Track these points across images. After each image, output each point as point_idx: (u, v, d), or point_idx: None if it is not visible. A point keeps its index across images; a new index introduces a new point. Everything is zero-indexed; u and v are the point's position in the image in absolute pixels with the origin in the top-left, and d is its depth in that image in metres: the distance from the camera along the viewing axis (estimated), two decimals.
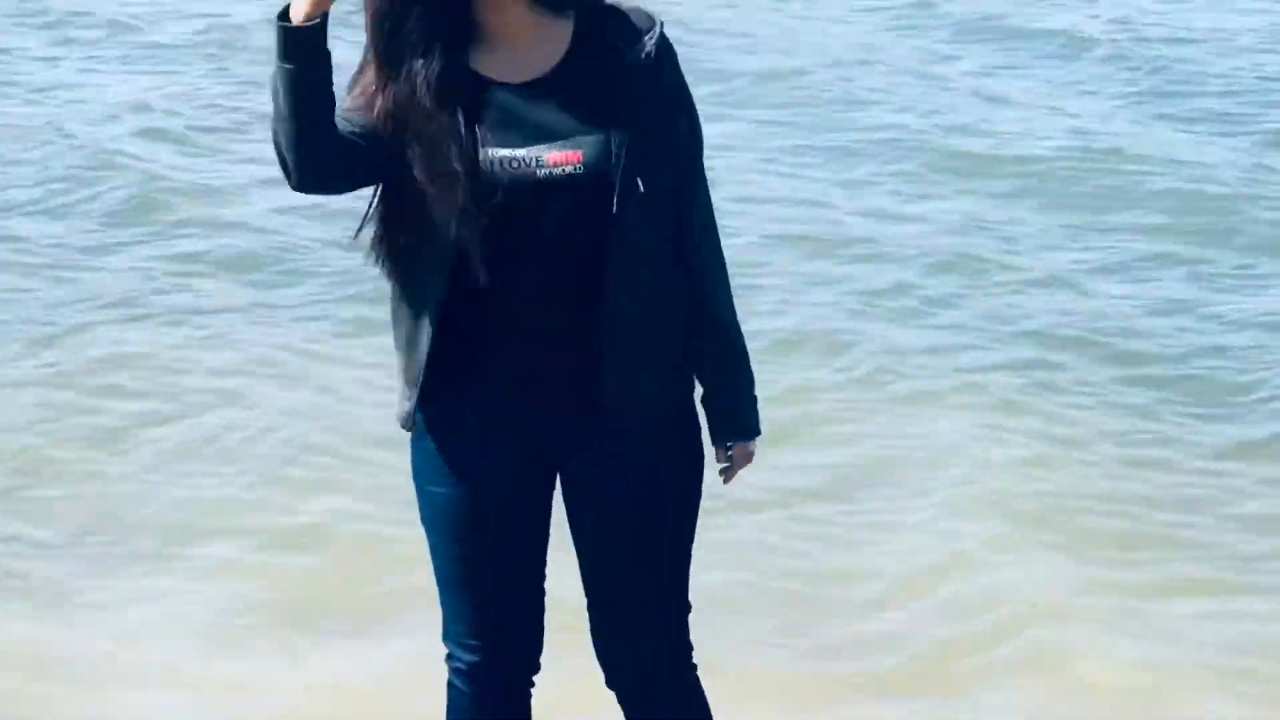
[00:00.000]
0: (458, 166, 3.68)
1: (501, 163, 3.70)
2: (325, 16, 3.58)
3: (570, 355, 3.82)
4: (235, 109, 11.36)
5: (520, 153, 3.71)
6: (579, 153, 3.72)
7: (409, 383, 3.87)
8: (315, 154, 3.61)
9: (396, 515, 6.18)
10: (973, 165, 10.38)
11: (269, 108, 3.64)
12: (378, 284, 3.95)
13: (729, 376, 3.98)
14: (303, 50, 3.56)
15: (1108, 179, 10.19)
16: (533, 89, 3.74)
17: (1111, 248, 9.27)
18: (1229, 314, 8.49)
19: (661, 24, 3.81)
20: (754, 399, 4.02)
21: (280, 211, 9.53)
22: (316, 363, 7.94)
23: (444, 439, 3.93)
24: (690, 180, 3.87)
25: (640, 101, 3.76)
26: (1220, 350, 8.10)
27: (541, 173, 3.71)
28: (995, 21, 13.27)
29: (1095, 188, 10.04)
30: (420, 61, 3.66)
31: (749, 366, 4.00)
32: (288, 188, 3.68)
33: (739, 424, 4.00)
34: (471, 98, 3.71)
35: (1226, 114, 11.35)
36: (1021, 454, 7.12)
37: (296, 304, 8.54)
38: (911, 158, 10.49)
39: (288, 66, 3.55)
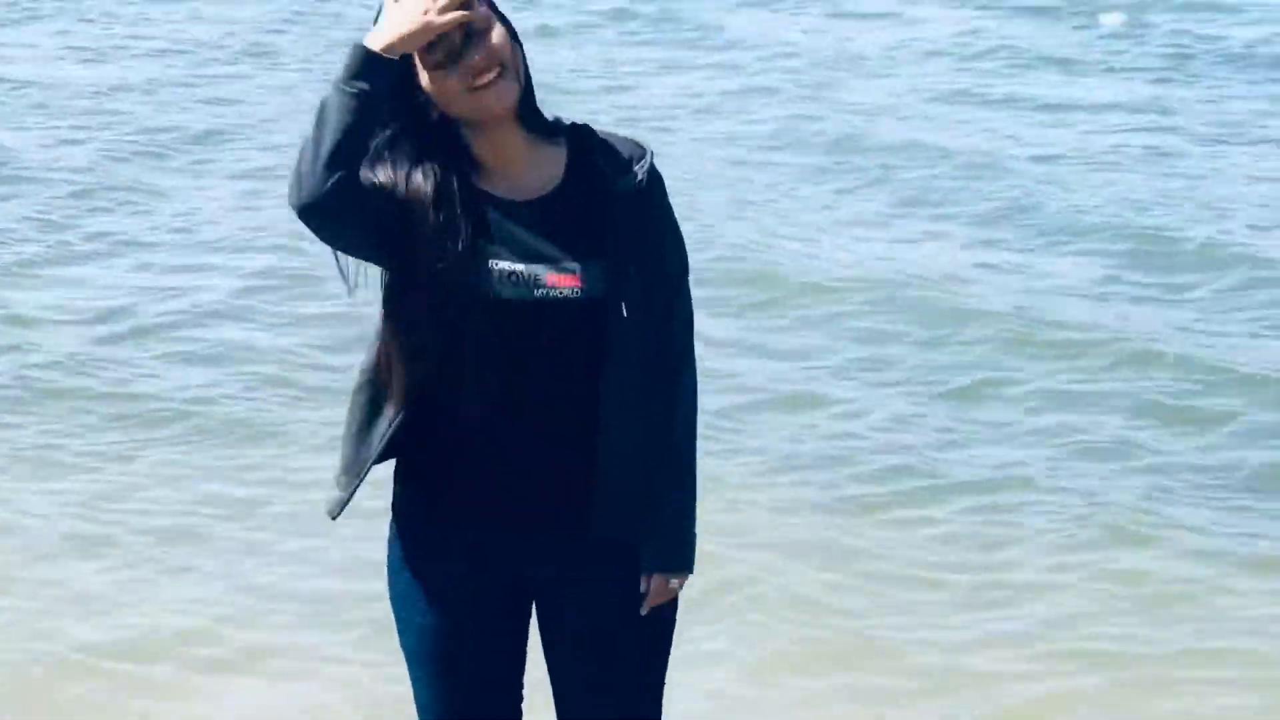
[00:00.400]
0: (455, 265, 3.73)
1: (501, 275, 3.77)
2: (406, 56, 3.69)
3: (559, 479, 3.86)
4: None
5: (520, 268, 3.78)
6: (577, 277, 3.79)
7: (349, 472, 3.90)
8: (340, 179, 3.62)
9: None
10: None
11: None
12: None
13: (677, 511, 3.97)
14: (375, 76, 3.63)
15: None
16: (532, 209, 3.82)
17: None
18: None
19: (651, 153, 3.91)
20: (694, 536, 4.00)
21: None
22: None
23: (423, 565, 3.96)
24: (673, 301, 3.94)
25: (631, 229, 3.84)
26: None
27: (539, 292, 3.77)
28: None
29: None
30: (428, 175, 3.75)
31: (694, 504, 3.99)
32: None
33: (678, 557, 3.97)
34: (475, 209, 3.78)
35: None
36: None
37: None
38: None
39: (355, 86, 3.62)
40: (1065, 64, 15.96)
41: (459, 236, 3.74)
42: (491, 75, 3.73)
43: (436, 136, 3.78)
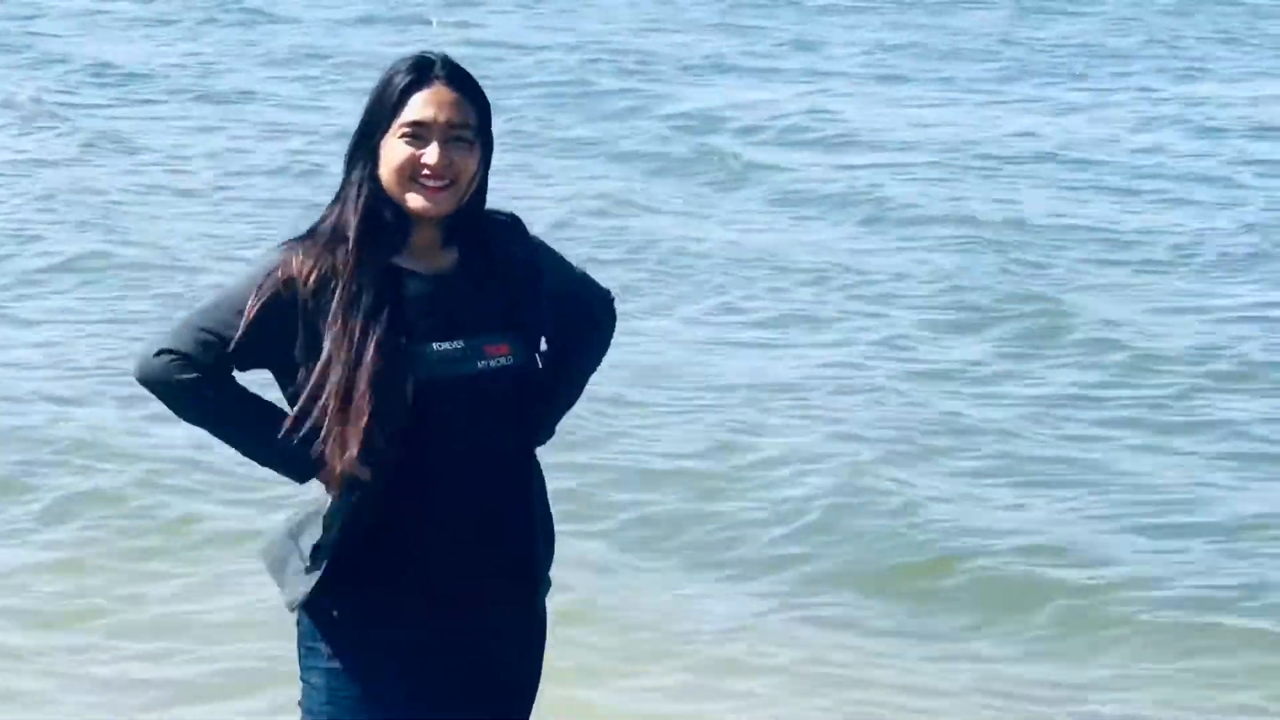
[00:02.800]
0: (383, 354, 3.85)
1: (437, 353, 3.90)
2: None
3: (507, 549, 4.00)
4: None
5: (458, 343, 3.91)
6: (506, 345, 3.95)
7: (313, 562, 3.93)
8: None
9: None
10: None
11: None
12: None
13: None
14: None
15: None
16: (455, 285, 3.98)
17: None
18: None
19: (520, 220, 4.09)
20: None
21: None
22: None
23: (361, 665, 3.95)
24: (585, 299, 4.21)
25: (531, 293, 4.03)
26: None
27: (481, 364, 3.92)
28: None
29: None
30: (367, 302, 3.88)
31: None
32: None
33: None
34: (406, 291, 3.92)
35: None
36: None
37: None
38: None
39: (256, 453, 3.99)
40: None
41: (387, 327, 3.87)
42: (439, 184, 3.90)
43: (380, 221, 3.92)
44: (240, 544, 7.67)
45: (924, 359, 10.71)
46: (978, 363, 10.66)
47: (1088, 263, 12.78)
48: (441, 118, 3.91)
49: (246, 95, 18.27)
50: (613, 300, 4.28)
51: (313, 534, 3.96)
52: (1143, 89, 19.28)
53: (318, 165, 14.95)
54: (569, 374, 4.15)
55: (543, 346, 4.09)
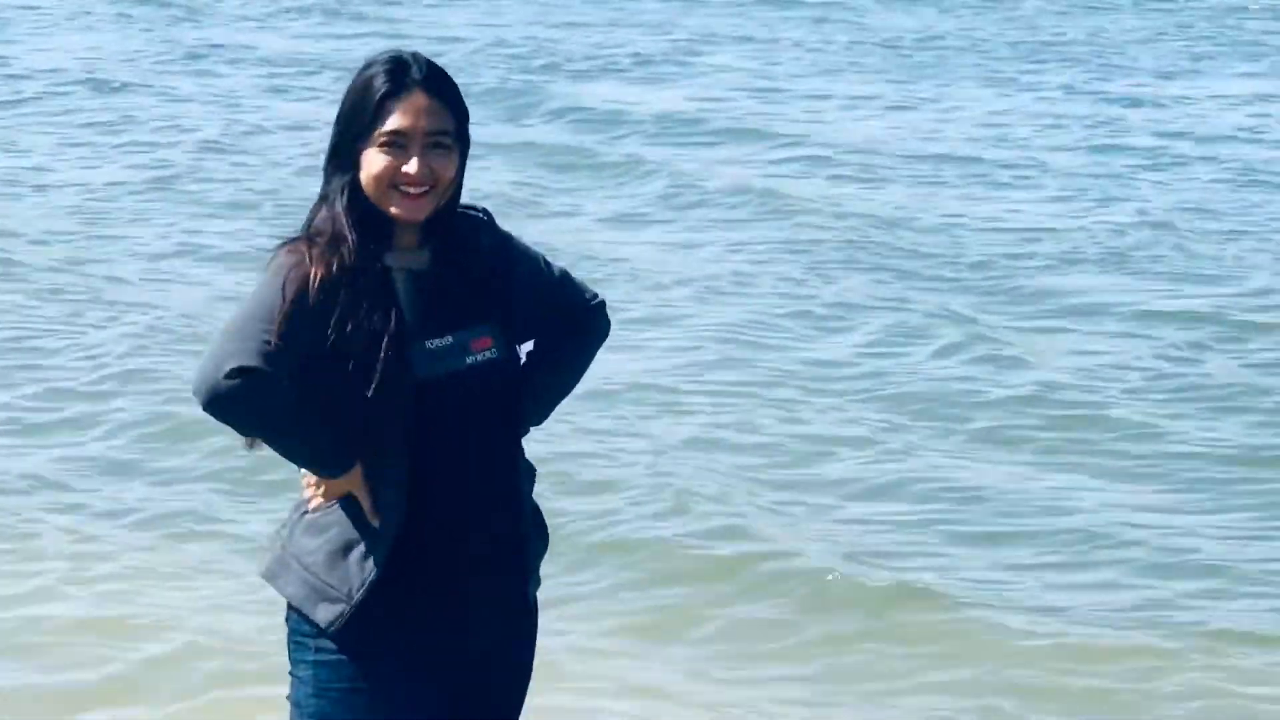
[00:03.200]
0: (383, 357, 3.86)
1: (431, 350, 3.92)
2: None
3: (500, 544, 4.01)
4: None
5: (448, 340, 3.93)
6: (489, 339, 3.98)
7: (350, 590, 3.91)
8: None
9: None
10: None
11: None
12: None
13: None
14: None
15: None
16: (438, 281, 3.98)
17: None
18: None
19: (490, 214, 4.10)
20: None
21: None
22: None
23: (350, 659, 3.95)
24: (564, 302, 4.17)
25: (506, 286, 4.03)
26: None
27: (470, 359, 3.94)
28: None
29: None
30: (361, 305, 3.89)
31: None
32: None
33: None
34: (396, 291, 3.93)
35: None
36: None
37: None
38: None
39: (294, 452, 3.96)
40: None
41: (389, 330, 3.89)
42: (419, 190, 3.93)
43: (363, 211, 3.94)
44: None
45: (762, 362, 10.78)
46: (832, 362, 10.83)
47: (958, 265, 12.89)
48: (421, 126, 3.90)
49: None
50: (601, 306, 4.22)
51: (308, 538, 3.98)
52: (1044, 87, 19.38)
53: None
54: (550, 374, 4.12)
55: (527, 346, 4.09)
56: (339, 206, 3.92)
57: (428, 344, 3.91)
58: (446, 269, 3.97)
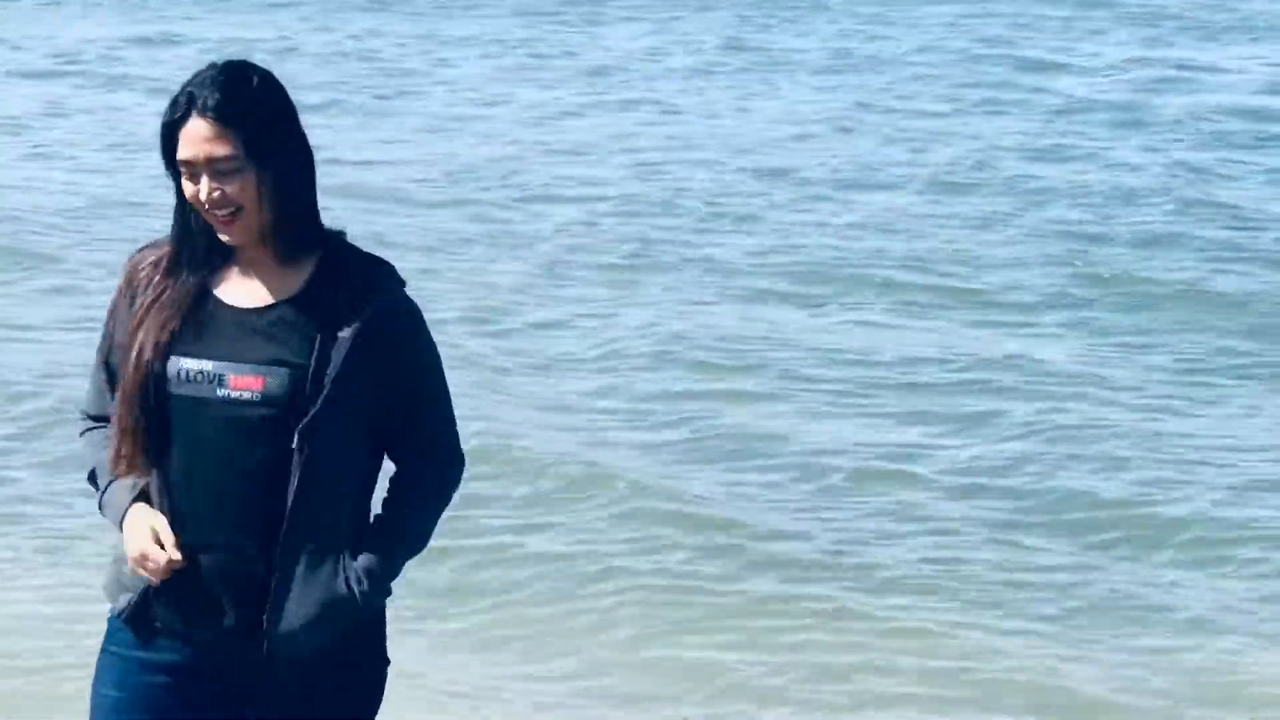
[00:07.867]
0: (133, 364, 3.95)
1: (184, 373, 3.95)
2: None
3: (240, 585, 3.98)
4: None
5: (207, 366, 3.93)
6: (261, 379, 3.91)
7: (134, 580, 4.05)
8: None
9: None
10: None
11: None
12: None
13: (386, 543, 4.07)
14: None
15: None
16: (259, 315, 3.98)
17: None
18: None
19: (392, 270, 4.06)
20: (392, 571, 4.07)
21: None
22: None
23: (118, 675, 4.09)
24: (412, 414, 4.06)
25: (357, 343, 3.96)
26: None
27: (221, 392, 3.92)
28: None
29: None
30: (164, 276, 4.01)
31: (404, 559, 4.10)
32: None
33: (372, 567, 4.03)
34: (189, 310, 3.98)
35: None
36: None
37: None
38: None
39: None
40: None
41: (155, 333, 3.95)
42: (224, 214, 3.95)
43: (198, 241, 4.01)
44: None
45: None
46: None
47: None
48: (201, 155, 3.92)
49: None
50: (461, 467, 4.17)
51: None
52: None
53: None
54: (405, 509, 4.10)
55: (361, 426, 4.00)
56: (175, 222, 4.05)
57: (183, 364, 3.95)
58: (294, 302, 3.99)
